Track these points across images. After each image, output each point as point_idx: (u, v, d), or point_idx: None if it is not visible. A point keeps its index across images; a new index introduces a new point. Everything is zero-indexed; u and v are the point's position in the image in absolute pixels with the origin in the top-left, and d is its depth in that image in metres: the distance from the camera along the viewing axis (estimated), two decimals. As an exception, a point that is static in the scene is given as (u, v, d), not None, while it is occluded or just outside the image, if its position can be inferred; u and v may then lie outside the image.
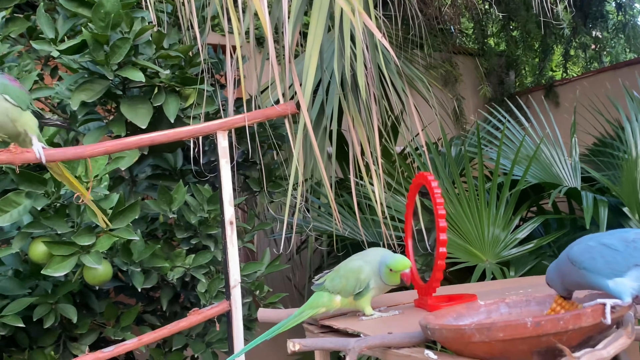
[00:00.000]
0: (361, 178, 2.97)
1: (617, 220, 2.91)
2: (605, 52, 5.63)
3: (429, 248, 1.52)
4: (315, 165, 3.40)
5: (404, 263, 1.34)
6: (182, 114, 2.13)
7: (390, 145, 3.10)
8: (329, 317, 1.43)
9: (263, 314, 1.51)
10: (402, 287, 3.04)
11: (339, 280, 1.40)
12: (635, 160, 3.00)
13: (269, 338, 1.38)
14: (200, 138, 2.03)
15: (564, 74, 5.75)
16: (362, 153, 2.56)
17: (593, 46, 5.67)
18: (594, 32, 5.60)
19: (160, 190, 2.08)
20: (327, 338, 1.08)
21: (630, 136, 3.06)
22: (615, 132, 3.46)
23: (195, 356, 2.35)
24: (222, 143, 1.61)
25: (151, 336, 1.59)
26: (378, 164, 2.47)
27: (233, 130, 2.33)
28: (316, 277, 1.49)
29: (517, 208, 2.96)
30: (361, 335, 1.17)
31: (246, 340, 2.43)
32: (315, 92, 3.29)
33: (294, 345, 1.02)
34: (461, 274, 2.82)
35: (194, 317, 1.61)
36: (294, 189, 2.35)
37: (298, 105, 1.76)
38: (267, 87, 3.12)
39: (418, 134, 2.72)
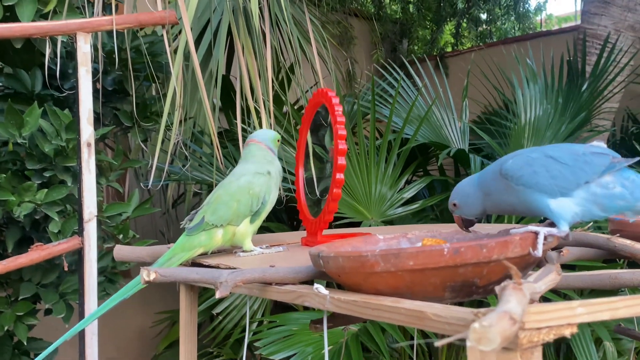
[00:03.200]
0: (249, 125, 2.76)
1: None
2: (494, 30, 5.72)
3: (318, 194, 1.35)
4: (198, 112, 3.14)
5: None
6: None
7: (282, 92, 2.90)
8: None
9: (120, 251, 1.27)
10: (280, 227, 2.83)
11: (226, 207, 1.17)
12: (523, 127, 3.00)
13: (127, 296, 1.14)
14: (60, 51, 1.73)
15: (455, 47, 5.80)
16: (252, 101, 2.35)
17: (485, 26, 5.75)
18: (485, 11, 5.67)
19: (8, 111, 1.75)
20: (193, 268, 0.86)
21: (521, 103, 3.05)
22: (504, 101, 3.47)
23: (47, 307, 2.05)
24: (83, 47, 1.33)
25: (-21, 274, 1.30)
26: (270, 112, 2.28)
27: (102, 54, 2.04)
28: (184, 222, 1.25)
29: (405, 168, 2.87)
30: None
31: (107, 294, 2.17)
32: (202, 34, 3.02)
33: (149, 274, 0.80)
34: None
35: (36, 253, 1.34)
36: (170, 127, 2.09)
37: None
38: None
39: (312, 87, 2.55)
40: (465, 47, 5.75)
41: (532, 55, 3.34)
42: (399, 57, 5.41)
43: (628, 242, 0.91)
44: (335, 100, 1.09)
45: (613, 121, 3.44)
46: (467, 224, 0.96)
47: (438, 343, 0.43)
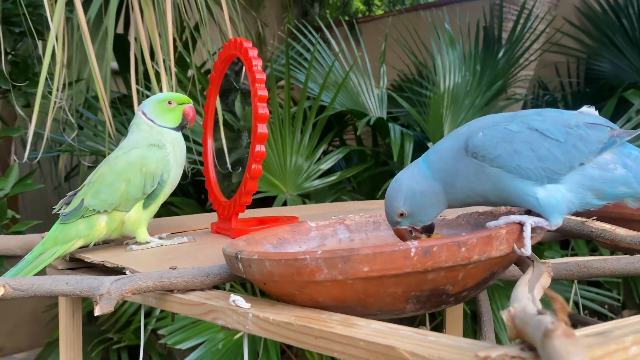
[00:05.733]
0: (150, 90, 2.49)
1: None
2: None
3: (230, 167, 1.14)
4: (91, 76, 2.82)
5: (184, 96, 1.03)
6: None
7: (186, 53, 2.63)
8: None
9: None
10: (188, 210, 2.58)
11: (111, 189, 0.92)
12: (442, 95, 2.88)
13: None
14: None
15: (367, 13, 5.65)
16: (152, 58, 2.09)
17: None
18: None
19: None
20: (61, 277, 0.63)
21: (440, 70, 2.93)
22: (418, 68, 3.35)
23: None
24: None
25: None
26: (171, 73, 2.02)
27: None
28: (59, 206, 0.98)
29: (321, 137, 2.70)
30: (126, 272, 0.75)
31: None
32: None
33: (-5, 288, 0.57)
34: (258, 207, 2.50)
35: None
36: (58, 90, 1.80)
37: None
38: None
39: (220, 50, 2.30)
40: (377, 14, 5.61)
41: (449, 21, 3.23)
42: (311, 22, 5.21)
43: (607, 226, 0.76)
44: (253, 53, 0.87)
45: (528, 89, 3.40)
46: (426, 231, 0.70)
47: None
